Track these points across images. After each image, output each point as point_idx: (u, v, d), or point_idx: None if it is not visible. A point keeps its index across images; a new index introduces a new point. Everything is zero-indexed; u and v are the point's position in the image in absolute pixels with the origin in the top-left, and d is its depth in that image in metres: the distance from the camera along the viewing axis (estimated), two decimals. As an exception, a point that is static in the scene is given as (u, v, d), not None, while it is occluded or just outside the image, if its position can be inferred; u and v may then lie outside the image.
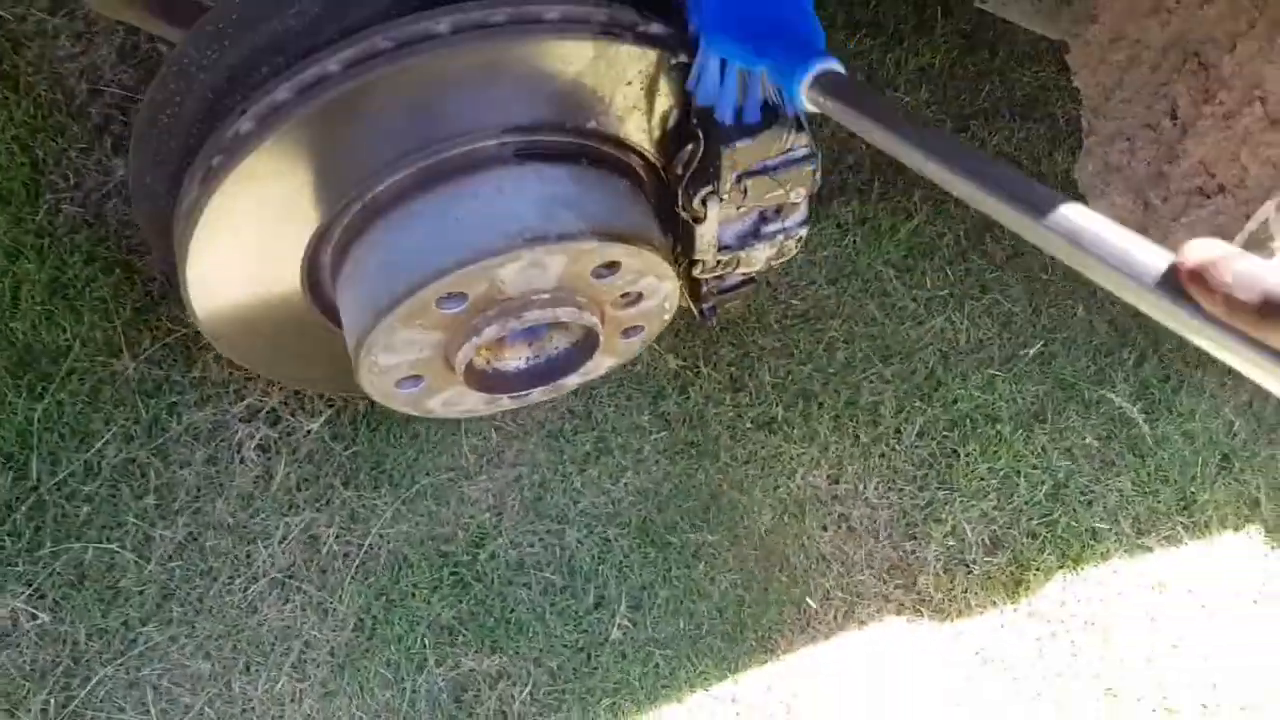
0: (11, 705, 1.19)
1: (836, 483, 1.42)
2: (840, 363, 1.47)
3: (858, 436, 1.44)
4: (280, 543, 1.29)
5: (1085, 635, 1.39)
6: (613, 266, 0.86)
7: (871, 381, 1.46)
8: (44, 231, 1.38)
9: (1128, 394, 1.50)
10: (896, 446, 1.43)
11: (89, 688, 1.21)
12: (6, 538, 1.26)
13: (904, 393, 1.46)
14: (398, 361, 0.88)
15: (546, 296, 0.86)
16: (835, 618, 1.35)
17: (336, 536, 1.30)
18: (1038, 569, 1.39)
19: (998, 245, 1.56)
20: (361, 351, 0.84)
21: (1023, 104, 1.68)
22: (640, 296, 0.92)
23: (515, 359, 0.96)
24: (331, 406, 1.36)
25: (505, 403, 1.01)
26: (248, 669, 1.24)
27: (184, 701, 1.22)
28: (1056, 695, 1.34)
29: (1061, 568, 1.39)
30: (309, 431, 1.34)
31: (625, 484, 1.39)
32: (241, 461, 1.32)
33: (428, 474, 1.35)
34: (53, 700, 1.20)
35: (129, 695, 1.22)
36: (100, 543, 1.26)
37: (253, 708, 1.22)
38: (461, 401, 0.98)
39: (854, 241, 1.54)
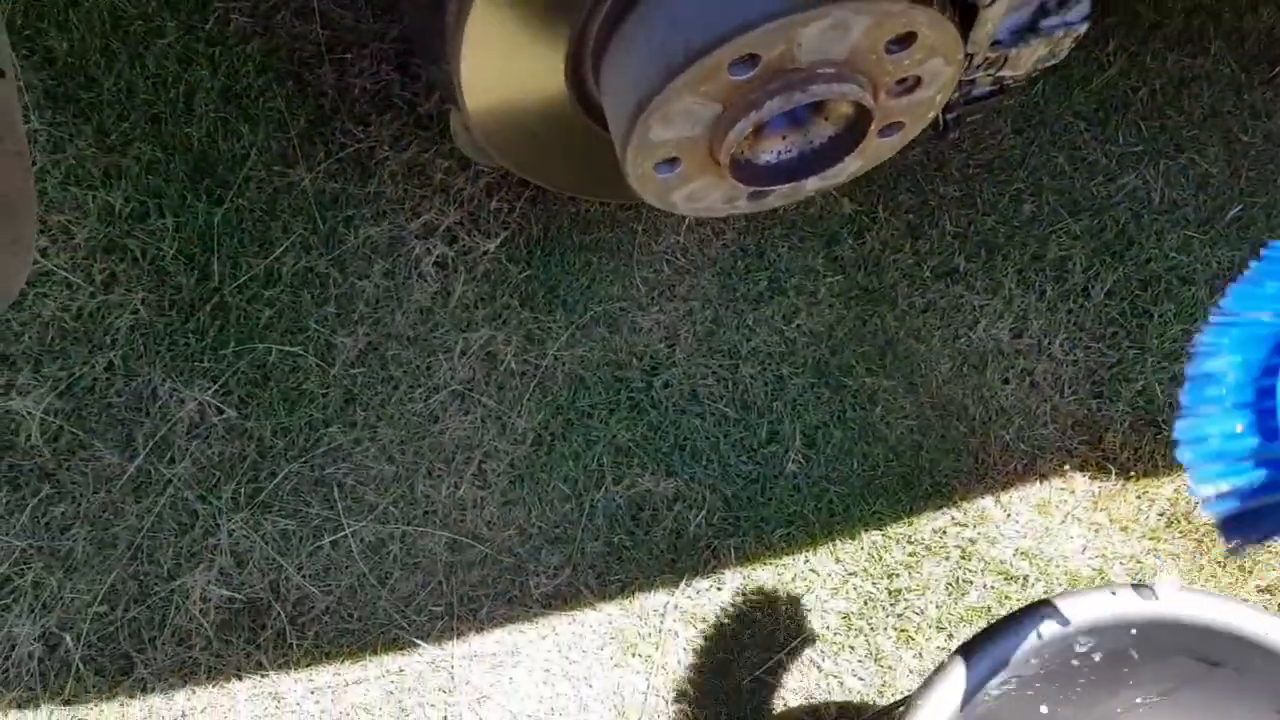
0: (204, 491, 1.50)
1: (1020, 336, 1.69)
2: (1026, 216, 1.74)
3: (1044, 291, 1.70)
4: (460, 357, 1.59)
5: None
6: (908, 40, 0.98)
7: (1059, 236, 1.73)
8: (214, 40, 1.68)
9: (1333, 268, 1.75)
10: (1085, 304, 1.70)
11: (275, 481, 1.52)
12: (191, 335, 1.57)
13: (1093, 249, 1.72)
14: (667, 137, 1.03)
15: (833, 71, 0.99)
16: (1015, 468, 1.61)
17: (514, 355, 1.59)
18: (1230, 433, 1.64)
19: (1195, 102, 1.80)
20: (638, 121, 0.99)
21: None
22: (918, 83, 1.13)
23: (769, 152, 1.20)
24: (507, 229, 1.65)
25: (742, 204, 1.25)
26: (430, 474, 1.54)
27: (369, 500, 1.52)
28: (1243, 562, 1.60)
29: (1256, 434, 1.64)
30: (485, 252, 1.64)
31: (798, 325, 1.67)
32: (419, 277, 1.62)
33: (600, 302, 1.64)
34: (242, 490, 1.51)
35: (315, 491, 1.52)
36: (284, 345, 1.57)
37: (435, 510, 1.52)
38: (704, 197, 1.22)
39: (1043, 90, 1.79)
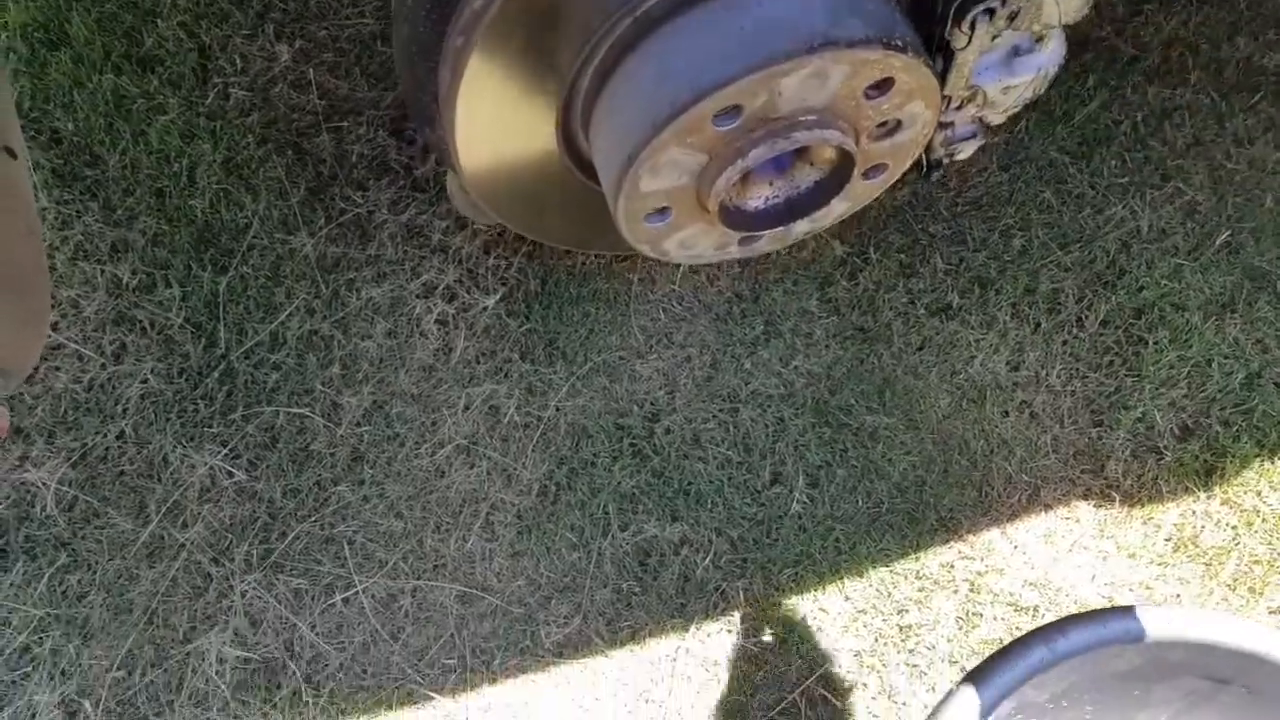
0: (216, 553, 1.60)
1: (1017, 369, 1.79)
2: (1016, 250, 1.85)
3: (1038, 323, 1.80)
4: (463, 412, 1.69)
5: (1284, 535, 1.73)
6: (886, 85, 1.08)
7: (1050, 269, 1.83)
8: (215, 114, 1.82)
9: (1326, 286, 1.85)
10: (1079, 334, 1.80)
11: (287, 541, 1.62)
12: (200, 401, 1.69)
13: (1085, 280, 1.83)
14: (657, 188, 1.17)
15: (814, 118, 1.09)
16: (1019, 500, 1.71)
17: (517, 407, 1.70)
18: (1233, 457, 1.73)
19: (1178, 132, 1.93)
20: (628, 173, 1.10)
21: (1203, -10, 2.06)
22: (899, 126, 1.24)
23: (757, 199, 1.32)
24: (505, 285, 1.77)
25: (733, 250, 1.37)
26: (438, 528, 1.64)
27: (378, 556, 1.62)
28: (1253, 584, 1.68)
29: (1259, 455, 1.74)
30: (485, 308, 1.75)
31: (796, 366, 1.77)
32: (421, 335, 1.74)
33: (600, 352, 1.75)
34: (254, 551, 1.61)
35: (325, 549, 1.62)
36: (290, 407, 1.68)
37: (444, 563, 1.62)
38: (696, 244, 1.34)
39: (1026, 127, 1.92)
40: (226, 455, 1.59)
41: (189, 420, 1.61)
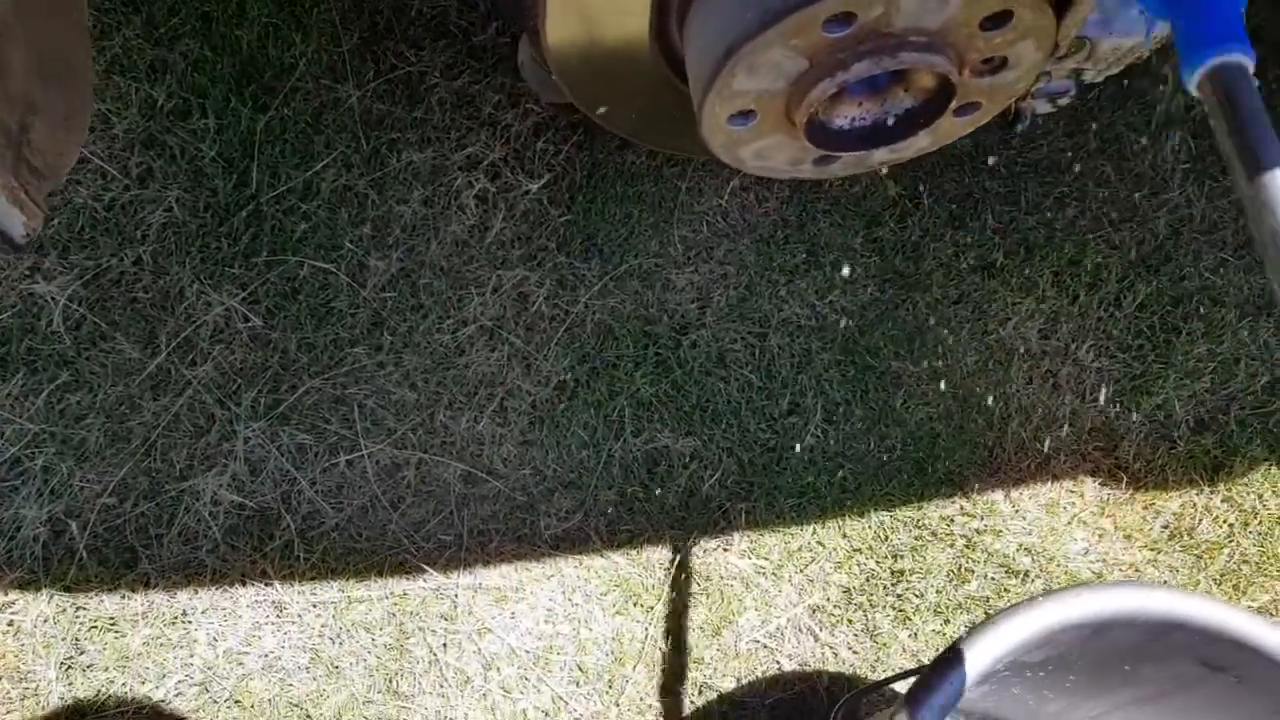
0: (223, 396, 1.61)
1: (1048, 338, 1.82)
2: (1068, 219, 1.87)
3: (1077, 296, 1.84)
4: (492, 293, 1.70)
5: None
6: (1005, 18, 1.07)
7: (1098, 244, 1.86)
8: (277, -54, 1.78)
9: (1361, 310, 1.90)
10: (1116, 313, 1.83)
11: (296, 395, 1.63)
12: (224, 239, 1.68)
13: (1130, 261, 1.86)
14: (749, 88, 1.12)
15: (924, 40, 1.07)
16: (1028, 466, 1.76)
17: (546, 298, 1.71)
18: (1243, 456, 1.78)
19: None
20: (725, 67, 1.07)
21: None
22: (1004, 64, 1.24)
23: (844, 117, 1.31)
24: (551, 171, 1.76)
25: (807, 169, 1.37)
26: (451, 405, 1.65)
27: (387, 424, 1.63)
28: (1239, 581, 1.75)
29: (1268, 460, 1.79)
30: (527, 191, 1.75)
31: (831, 301, 1.79)
32: (459, 208, 1.73)
33: (637, 256, 1.76)
34: (261, 400, 1.62)
35: (335, 409, 1.63)
36: (316, 261, 1.68)
37: (453, 441, 1.64)
38: (772, 156, 1.33)
39: (1099, 98, 1.93)
40: (245, 299, 1.59)
41: (210, 257, 1.60)
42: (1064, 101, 1.41)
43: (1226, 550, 1.66)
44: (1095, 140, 1.83)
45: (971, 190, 1.78)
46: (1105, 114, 1.83)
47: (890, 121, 1.26)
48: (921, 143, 1.30)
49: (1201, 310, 1.76)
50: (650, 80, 1.35)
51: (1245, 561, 1.66)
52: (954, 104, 1.21)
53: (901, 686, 1.34)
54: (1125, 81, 1.83)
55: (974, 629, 1.08)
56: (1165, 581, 1.62)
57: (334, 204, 1.62)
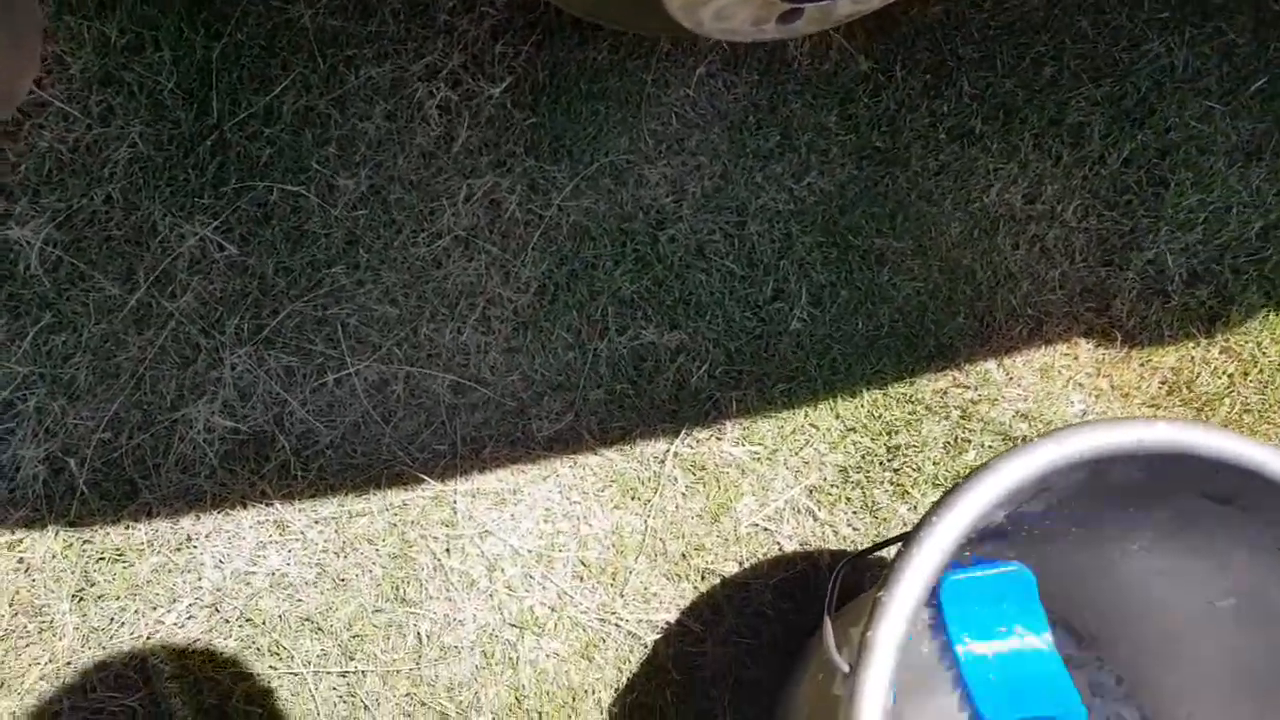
0: (206, 325, 1.65)
1: (1033, 202, 1.83)
2: (1046, 79, 1.87)
3: (1059, 157, 1.84)
4: (463, 203, 1.72)
5: None
6: None
7: (1079, 102, 1.86)
8: None
9: (1357, 144, 1.88)
10: (1101, 171, 1.83)
11: (279, 318, 1.66)
12: (191, 170, 1.70)
13: (1113, 116, 1.85)
14: None
15: None
16: (1020, 333, 1.77)
17: (519, 203, 1.73)
18: (1240, 305, 1.79)
19: (1231, -29, 1.93)
20: None
21: None
22: None
23: None
24: (512, 74, 1.77)
25: (770, 29, 1.36)
26: (433, 318, 1.69)
27: (372, 340, 1.67)
28: (1242, 430, 1.77)
29: (1265, 306, 1.80)
30: (490, 96, 1.76)
31: (809, 183, 1.80)
32: (422, 120, 1.75)
33: (607, 153, 1.77)
34: (245, 326, 1.66)
35: (318, 330, 1.67)
36: (285, 184, 1.70)
37: (439, 353, 1.67)
38: (733, 16, 1.31)
39: (1072, -48, 1.91)
40: (218, 228, 1.61)
41: (179, 189, 1.62)
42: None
43: (1227, 401, 1.68)
44: (1071, -4, 1.82)
45: (945, 58, 1.78)
46: (1079, -33, 1.82)
47: None
48: None
49: (1190, 160, 1.76)
50: None
51: (1247, 410, 1.68)
52: None
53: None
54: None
55: (969, 475, 1.03)
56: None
57: (297, 126, 1.64)
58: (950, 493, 1.05)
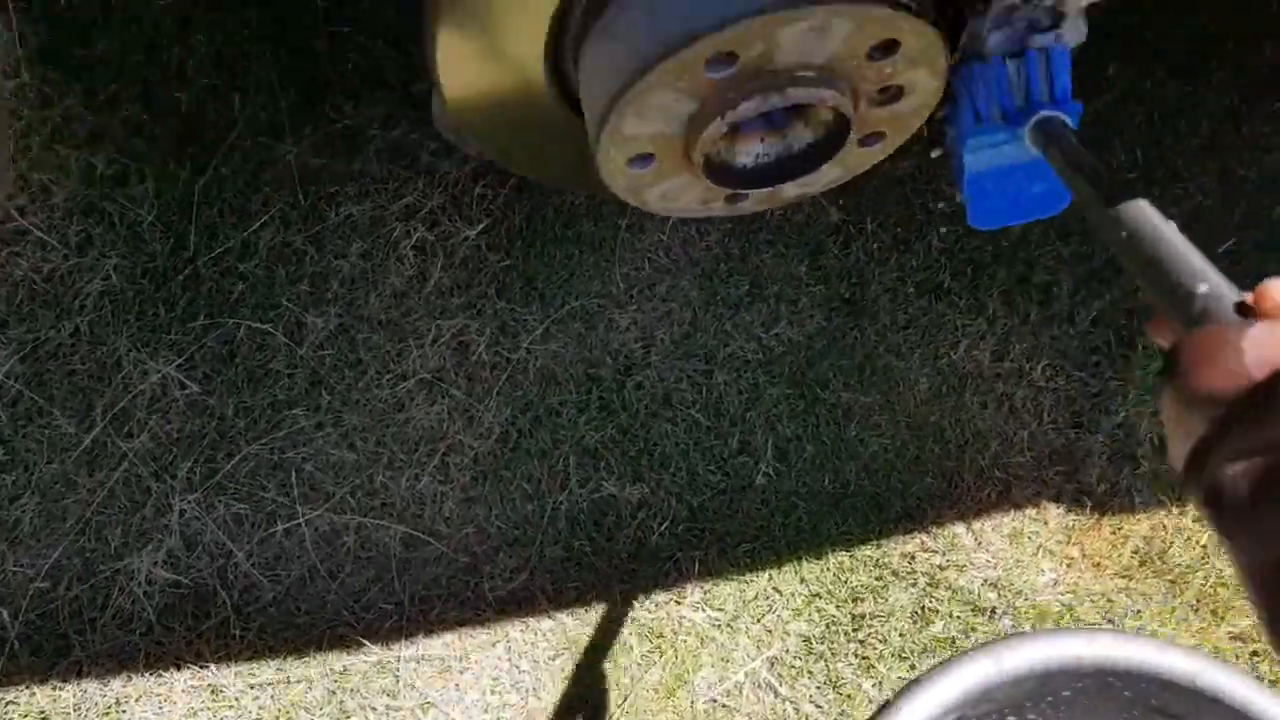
0: (159, 468, 1.16)
1: (1001, 360, 1.31)
2: (1015, 236, 1.35)
3: (1028, 315, 1.32)
4: (431, 344, 1.23)
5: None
6: (891, 47, 0.76)
7: (1047, 259, 1.34)
8: (214, 3, 1.31)
9: (1317, 309, 1.37)
10: (1070, 330, 1.32)
11: (234, 461, 1.17)
12: (161, 305, 1.21)
13: (1081, 275, 1.34)
14: (640, 132, 0.78)
15: (812, 75, 0.76)
16: (989, 495, 1.25)
17: (487, 346, 1.23)
18: (1209, 472, 1.27)
19: (1193, 132, 1.41)
20: (612, 113, 0.76)
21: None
22: (900, 93, 0.82)
23: (746, 154, 0.88)
24: (489, 216, 1.28)
25: (718, 207, 0.92)
26: (391, 464, 1.19)
27: (326, 488, 1.17)
28: (1216, 606, 1.24)
29: (1234, 474, 1.28)
30: (466, 238, 1.27)
31: (778, 334, 1.30)
32: (397, 259, 1.26)
33: (579, 297, 1.27)
34: (198, 470, 1.16)
35: (272, 475, 1.17)
36: (254, 321, 1.21)
37: (393, 503, 1.17)
38: (679, 197, 0.89)
39: (1043, 113, 1.40)
40: (182, 365, 1.12)
41: (147, 324, 1.13)
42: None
43: (1201, 574, 1.15)
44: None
45: (915, 211, 1.26)
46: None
47: (794, 156, 0.82)
48: (831, 175, 0.86)
49: (1158, 322, 1.22)
50: (556, 125, 0.89)
51: (1222, 584, 1.15)
52: (855, 136, 0.78)
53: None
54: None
55: (900, 691, 0.72)
56: (1139, 611, 1.11)
57: (271, 262, 1.14)
58: (882, 710, 0.71)
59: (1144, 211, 0.51)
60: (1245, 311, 0.39)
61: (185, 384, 1.13)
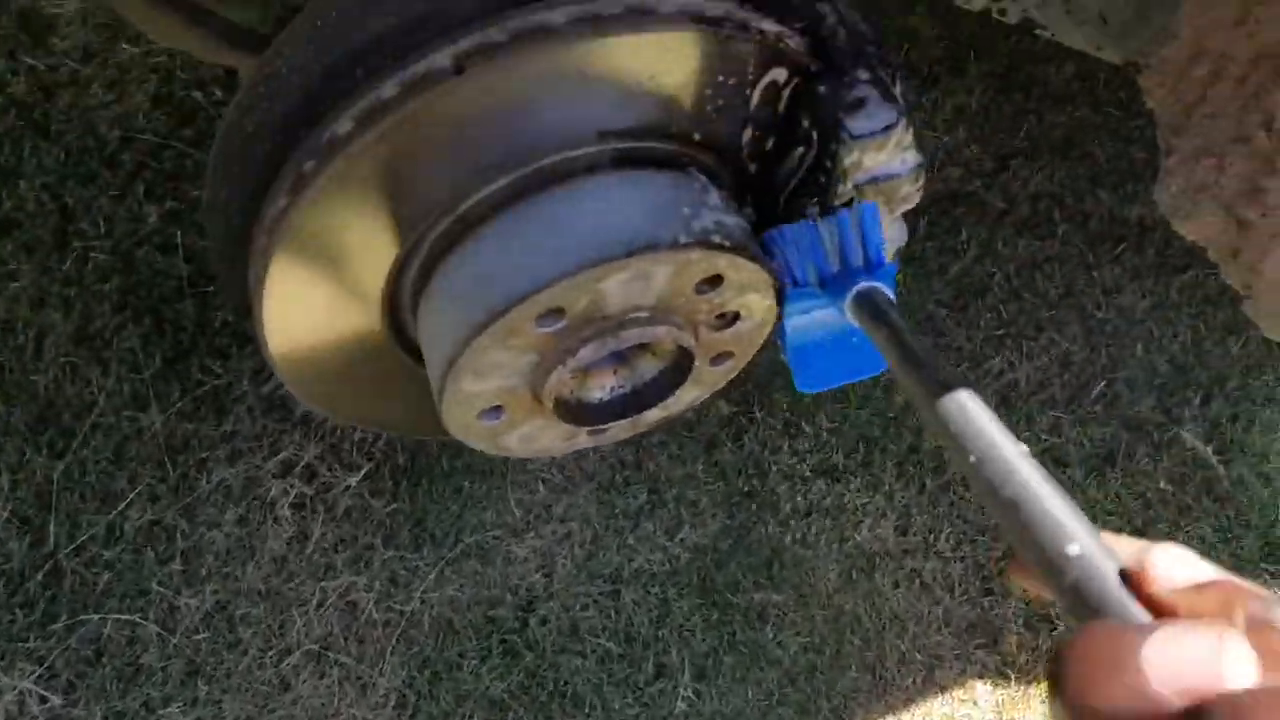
0: (12, 804, 0.97)
1: (905, 534, 1.21)
2: (899, 406, 1.28)
3: (923, 484, 1.24)
4: (316, 610, 1.08)
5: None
6: (715, 281, 0.72)
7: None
8: (71, 280, 1.19)
9: (1198, 434, 1.31)
10: (965, 494, 1.23)
11: (100, 781, 0.99)
12: (18, 610, 1.05)
13: (968, 436, 1.27)
14: (483, 389, 0.72)
15: (645, 315, 0.71)
16: (914, 681, 1.13)
17: (376, 602, 1.09)
18: (1125, 624, 1.18)
19: (1049, 283, 1.39)
20: (449, 377, 0.69)
21: (1061, 143, 1.51)
22: (736, 317, 0.77)
23: (599, 389, 0.81)
24: (371, 460, 1.16)
25: (583, 440, 0.85)
26: (277, 756, 1.02)
27: (204, 797, 0.99)
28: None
29: (1150, 622, 1.18)
30: (347, 487, 1.14)
31: (682, 539, 1.18)
32: (275, 521, 1.12)
33: (472, 532, 1.15)
34: (59, 798, 0.98)
35: (144, 790, 0.99)
36: (121, 613, 1.05)
37: (282, 802, 1.00)
38: (539, 438, 0.82)
39: (904, 280, 1.36)
40: (42, 676, 0.96)
41: (2, 634, 0.96)
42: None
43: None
44: (909, 322, 1.23)
45: (801, 395, 1.18)
46: (914, 296, 1.26)
47: (648, 384, 0.80)
48: (690, 395, 0.82)
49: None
50: (403, 380, 0.80)
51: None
52: (702, 360, 0.75)
53: None
54: (926, 260, 1.26)
55: None
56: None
57: (140, 544, 1.01)
58: None
59: (978, 419, 0.39)
60: (1129, 582, 0.28)
61: (46, 697, 0.96)
